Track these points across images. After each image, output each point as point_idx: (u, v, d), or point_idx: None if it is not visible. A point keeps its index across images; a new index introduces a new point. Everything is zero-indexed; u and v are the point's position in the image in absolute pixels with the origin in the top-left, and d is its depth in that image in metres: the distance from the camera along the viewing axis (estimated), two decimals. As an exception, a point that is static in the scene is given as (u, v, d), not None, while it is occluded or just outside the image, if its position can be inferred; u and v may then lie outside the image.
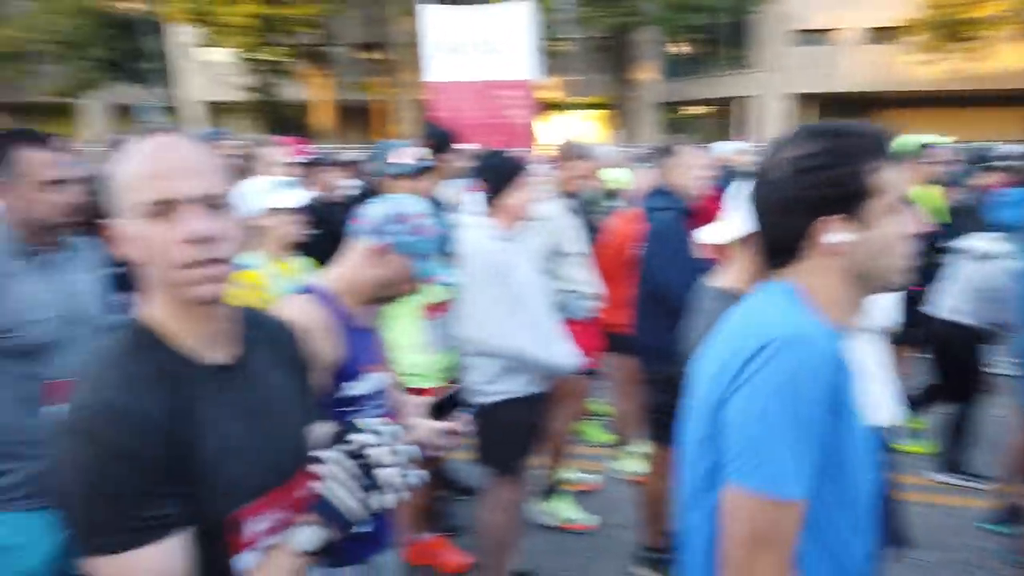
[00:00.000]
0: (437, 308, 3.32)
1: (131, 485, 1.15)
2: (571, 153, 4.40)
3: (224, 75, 31.76)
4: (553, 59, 23.12)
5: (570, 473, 4.50)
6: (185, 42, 32.53)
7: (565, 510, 4.28)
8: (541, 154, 6.28)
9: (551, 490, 4.33)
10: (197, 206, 1.20)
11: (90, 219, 2.44)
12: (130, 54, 32.88)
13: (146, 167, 1.21)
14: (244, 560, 1.29)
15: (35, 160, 2.22)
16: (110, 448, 1.14)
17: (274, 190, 3.05)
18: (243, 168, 4.35)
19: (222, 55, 31.55)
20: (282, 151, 4.74)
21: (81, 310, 2.36)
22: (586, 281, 4.01)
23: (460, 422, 2.18)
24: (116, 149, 1.95)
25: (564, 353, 3.20)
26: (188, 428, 1.21)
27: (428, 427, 2.11)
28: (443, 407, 2.20)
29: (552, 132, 19.41)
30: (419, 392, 2.61)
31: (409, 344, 3.23)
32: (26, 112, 41.51)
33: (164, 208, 1.19)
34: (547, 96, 25.40)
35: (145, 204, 1.19)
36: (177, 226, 1.19)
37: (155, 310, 1.28)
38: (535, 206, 3.33)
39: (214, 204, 1.22)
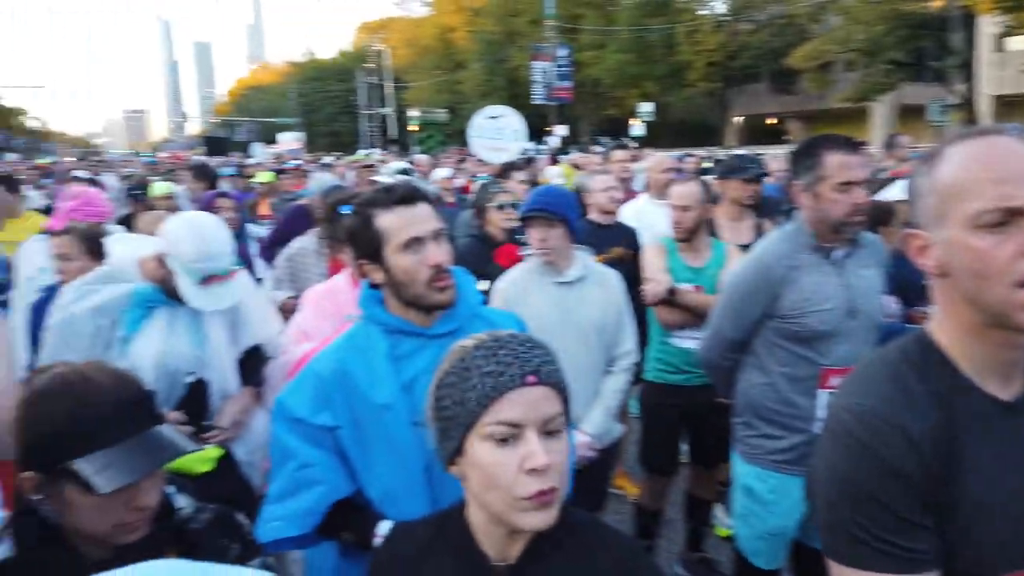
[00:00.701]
0: None
1: (883, 503, 1.08)
2: None
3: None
4: None
5: None
6: (990, 33, 30.13)
7: None
8: None
9: None
10: None
11: (873, 219, 2.56)
12: (926, 53, 32.36)
13: (984, 171, 1.05)
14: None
15: (837, 163, 2.40)
16: (868, 458, 1.09)
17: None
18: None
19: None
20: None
21: (860, 304, 2.50)
22: None
23: None
24: (920, 152, 1.97)
25: None
26: (954, 463, 1.08)
27: None
28: None
29: None
30: None
31: None
32: (817, 119, 45.57)
33: (1005, 218, 1.03)
34: None
35: (981, 213, 1.04)
36: (1017, 239, 1.02)
37: (944, 327, 1.16)
38: None
39: None
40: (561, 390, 1.16)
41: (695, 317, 3.42)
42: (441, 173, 8.29)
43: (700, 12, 45.19)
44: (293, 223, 5.13)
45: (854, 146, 2.45)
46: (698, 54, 41.83)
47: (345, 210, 3.06)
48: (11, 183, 5.18)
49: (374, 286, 1.86)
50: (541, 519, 1.11)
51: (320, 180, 5.56)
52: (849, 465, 1.10)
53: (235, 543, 1.52)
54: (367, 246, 1.79)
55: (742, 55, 42.68)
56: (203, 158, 24.63)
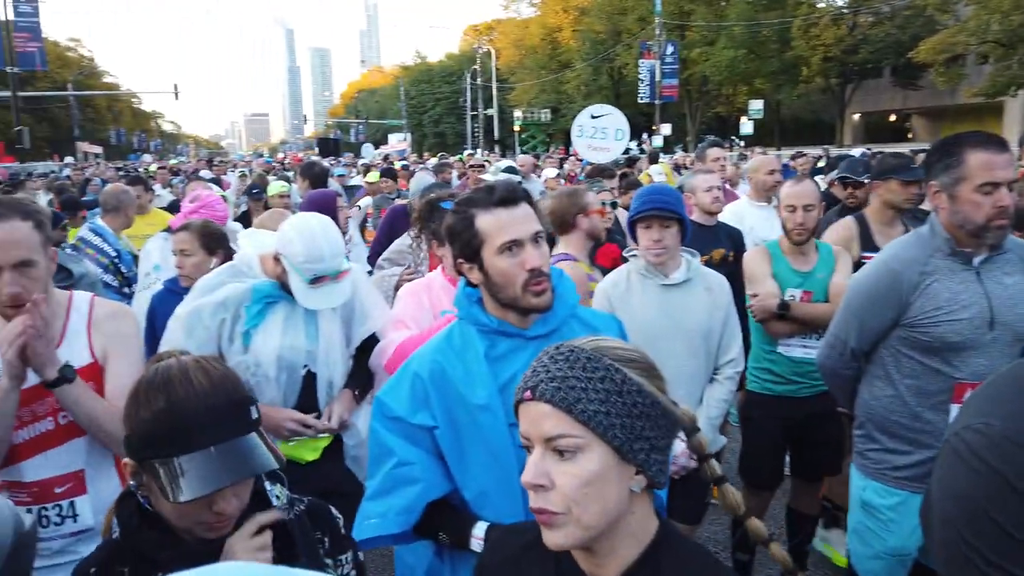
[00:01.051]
0: None
1: (1000, 524, 1.03)
2: None
3: None
4: None
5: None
6: None
7: None
8: None
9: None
10: None
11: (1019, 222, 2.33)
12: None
13: None
14: None
15: (980, 162, 2.21)
16: (992, 479, 1.05)
17: None
18: None
19: None
20: None
21: (1001, 314, 2.29)
22: None
23: None
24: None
25: None
26: None
27: None
28: None
29: None
30: None
31: None
32: (944, 115, 42.83)
33: None
34: None
35: None
36: None
37: None
38: None
39: None
40: (570, 410, 1.06)
41: (806, 326, 3.25)
42: (548, 173, 8.29)
43: (818, 5, 43.30)
44: (393, 223, 5.25)
45: (1000, 144, 2.25)
46: (814, 49, 40.10)
47: (445, 206, 3.10)
48: (145, 183, 5.69)
49: (472, 285, 1.85)
50: (546, 537, 1.09)
51: (420, 180, 5.64)
52: (969, 483, 1.07)
53: (326, 536, 1.54)
54: (466, 246, 1.79)
55: (862, 49, 40.56)
56: (315, 158, 25.66)
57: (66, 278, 3.18)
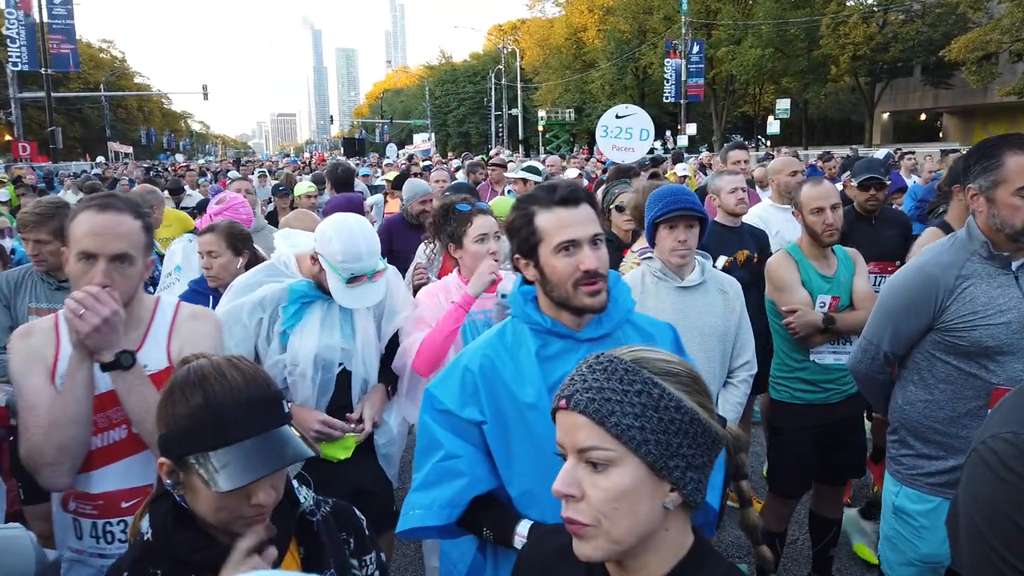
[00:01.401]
0: None
1: None
2: None
3: None
4: None
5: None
6: None
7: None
8: None
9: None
10: None
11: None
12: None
13: None
14: None
15: (1020, 165, 2.16)
16: (1022, 489, 1.02)
17: None
18: None
19: None
20: None
21: None
22: None
23: None
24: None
25: None
26: None
27: None
28: None
29: None
30: None
31: None
32: (976, 114, 42.05)
33: None
34: None
35: None
36: None
37: None
38: None
39: None
40: (603, 423, 1.04)
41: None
42: (570, 174, 8.26)
43: (847, 3, 42.74)
44: (391, 230, 5.27)
45: (1035, 146, 2.19)
46: (843, 47, 39.59)
47: (461, 209, 3.10)
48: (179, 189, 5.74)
49: (527, 283, 1.86)
50: (576, 548, 1.07)
51: (412, 186, 5.58)
52: (995, 491, 1.06)
53: (352, 537, 1.55)
54: (524, 242, 1.79)
55: (892, 47, 39.97)
56: (340, 159, 25.87)
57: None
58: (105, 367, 1.85)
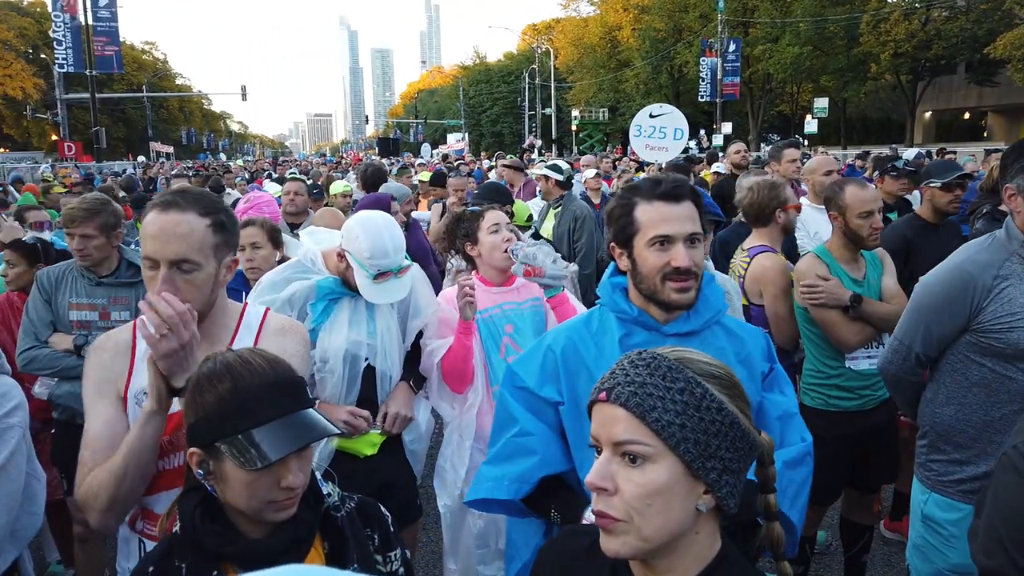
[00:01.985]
0: None
1: None
2: None
3: None
4: None
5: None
6: None
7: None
8: None
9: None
10: None
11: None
12: None
13: None
14: None
15: None
16: None
17: None
18: None
19: None
20: None
21: None
22: None
23: None
24: None
25: None
26: None
27: None
28: None
29: None
30: None
31: None
32: (1023, 114, 40.85)
33: None
34: None
35: None
36: None
37: None
38: None
39: None
40: (644, 417, 1.04)
41: (871, 327, 3.14)
42: (588, 173, 8.26)
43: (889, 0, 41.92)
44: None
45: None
46: (884, 44, 38.80)
47: (473, 210, 3.12)
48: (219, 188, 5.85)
49: (619, 273, 1.88)
50: (603, 543, 1.07)
51: (396, 189, 5.61)
52: (1019, 496, 1.06)
53: (376, 533, 1.57)
54: (620, 231, 1.81)
55: (935, 44, 39.06)
56: (374, 158, 26.07)
57: (135, 274, 3.30)
58: (175, 392, 1.66)
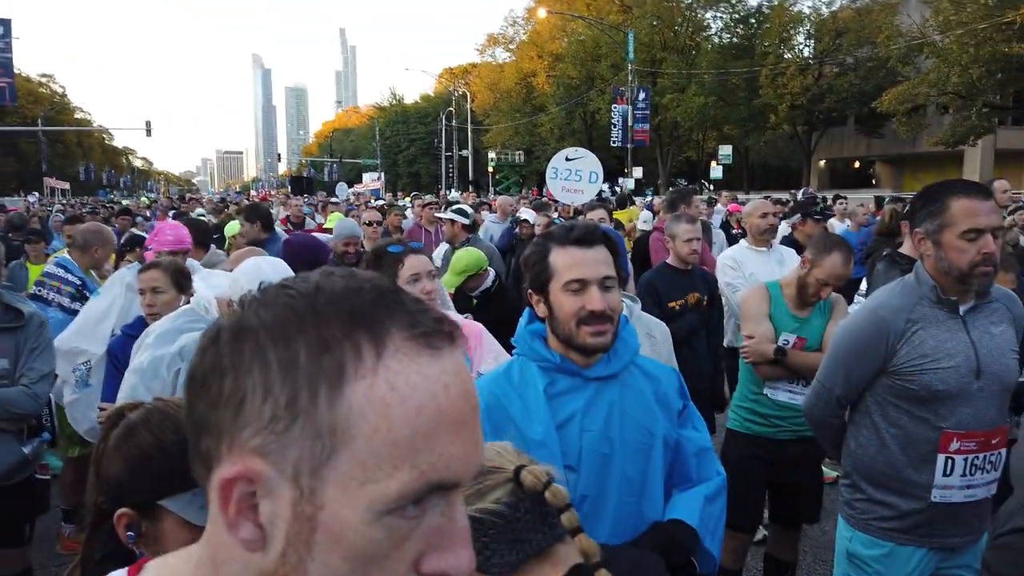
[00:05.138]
0: None
1: None
2: None
3: None
4: None
5: None
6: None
7: None
8: None
9: None
10: None
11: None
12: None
13: None
14: None
15: (964, 209, 2.20)
16: None
17: None
18: None
19: None
20: None
21: (987, 364, 2.26)
22: None
23: None
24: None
25: None
26: None
27: None
28: None
29: None
30: None
31: None
32: (906, 163, 44.05)
33: None
34: None
35: None
36: None
37: None
38: None
39: None
40: None
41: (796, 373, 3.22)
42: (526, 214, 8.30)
43: (785, 55, 44.61)
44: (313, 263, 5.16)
45: (983, 191, 2.25)
46: (781, 97, 41.16)
47: (393, 250, 2.92)
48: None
49: (538, 320, 1.87)
50: None
51: (345, 226, 5.57)
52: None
53: None
54: (536, 277, 1.83)
55: (828, 98, 41.76)
56: (289, 196, 25.48)
57: (14, 319, 3.04)
58: None
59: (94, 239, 4.84)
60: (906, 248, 3.81)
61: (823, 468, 3.99)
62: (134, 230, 8.49)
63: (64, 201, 30.42)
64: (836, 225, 8.57)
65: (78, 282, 4.67)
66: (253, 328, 0.59)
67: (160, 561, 0.76)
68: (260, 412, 0.57)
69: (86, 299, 4.53)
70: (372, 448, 0.56)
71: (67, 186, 57.39)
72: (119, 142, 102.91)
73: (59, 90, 77.63)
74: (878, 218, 7.31)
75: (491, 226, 8.97)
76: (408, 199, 20.30)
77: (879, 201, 14.95)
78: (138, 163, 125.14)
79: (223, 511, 0.59)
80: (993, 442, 2.30)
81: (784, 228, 6.62)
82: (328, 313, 0.59)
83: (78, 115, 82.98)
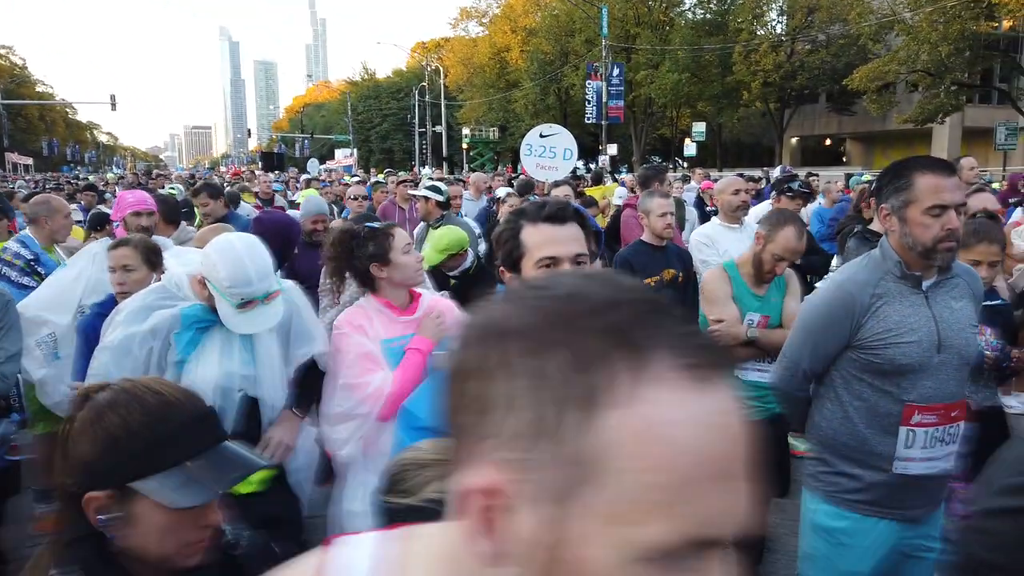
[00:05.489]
0: None
1: None
2: None
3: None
4: None
5: None
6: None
7: None
8: None
9: None
10: None
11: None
12: (994, 75, 31.43)
13: None
14: None
15: (929, 185, 2.24)
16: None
17: None
18: None
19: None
20: None
21: (948, 338, 2.31)
22: None
23: None
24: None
25: None
26: None
27: None
28: None
29: None
30: None
31: None
32: (877, 140, 44.55)
33: None
34: None
35: None
36: None
37: None
38: None
39: None
40: None
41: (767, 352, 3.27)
42: (500, 192, 8.28)
43: (758, 32, 44.67)
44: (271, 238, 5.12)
45: (947, 168, 2.29)
46: (754, 74, 41.28)
47: (370, 226, 2.89)
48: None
49: None
50: None
51: (312, 202, 5.55)
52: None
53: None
54: (508, 255, 1.82)
55: (799, 75, 41.98)
56: (258, 172, 25.14)
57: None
58: None
59: (40, 210, 4.80)
60: (875, 225, 3.89)
61: (791, 441, 4.07)
62: (102, 207, 8.32)
63: (27, 177, 29.65)
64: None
65: (30, 256, 4.60)
66: (501, 331, 0.55)
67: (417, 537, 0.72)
68: (503, 426, 0.53)
69: (39, 274, 4.49)
70: (622, 487, 0.52)
71: (30, 162, 56.07)
72: (83, 116, 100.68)
73: (19, 62, 75.46)
74: (849, 195, 7.46)
75: (465, 203, 8.87)
76: (382, 175, 20.11)
77: (848, 178, 15.17)
78: (103, 138, 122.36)
79: (464, 518, 0.56)
80: (953, 415, 2.36)
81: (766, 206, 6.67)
82: (582, 326, 0.53)
83: (40, 88, 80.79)
